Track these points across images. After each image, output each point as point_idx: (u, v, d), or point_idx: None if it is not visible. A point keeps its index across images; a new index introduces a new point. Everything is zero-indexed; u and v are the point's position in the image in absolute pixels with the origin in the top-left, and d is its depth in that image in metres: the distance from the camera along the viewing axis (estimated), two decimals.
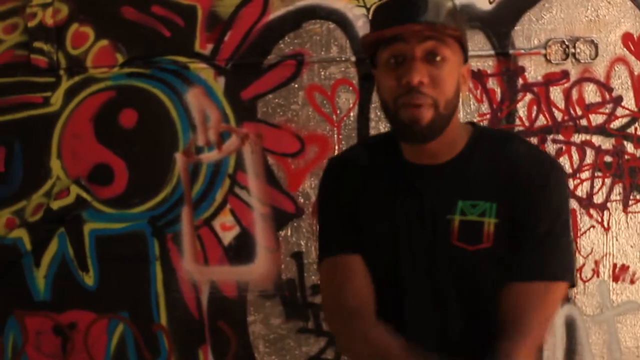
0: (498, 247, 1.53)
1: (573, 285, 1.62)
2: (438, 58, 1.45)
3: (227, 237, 3.03)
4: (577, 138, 2.99)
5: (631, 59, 2.98)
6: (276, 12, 3.00)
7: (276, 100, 3.01)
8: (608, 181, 2.99)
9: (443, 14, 1.46)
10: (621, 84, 2.98)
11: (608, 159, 2.99)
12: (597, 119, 2.99)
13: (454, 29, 1.48)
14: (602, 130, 2.99)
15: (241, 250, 3.02)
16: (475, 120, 2.98)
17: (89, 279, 3.03)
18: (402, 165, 1.59)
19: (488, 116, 2.99)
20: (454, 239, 1.53)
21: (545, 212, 1.53)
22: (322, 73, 3.00)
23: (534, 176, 1.54)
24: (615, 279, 3.00)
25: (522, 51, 2.98)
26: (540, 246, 1.53)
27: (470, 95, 2.98)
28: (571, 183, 2.99)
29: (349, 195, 1.64)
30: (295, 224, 3.02)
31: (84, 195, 3.02)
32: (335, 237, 1.66)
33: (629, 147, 2.99)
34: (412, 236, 1.57)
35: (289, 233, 3.02)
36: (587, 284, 3.00)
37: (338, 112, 3.00)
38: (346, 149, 1.85)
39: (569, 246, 1.59)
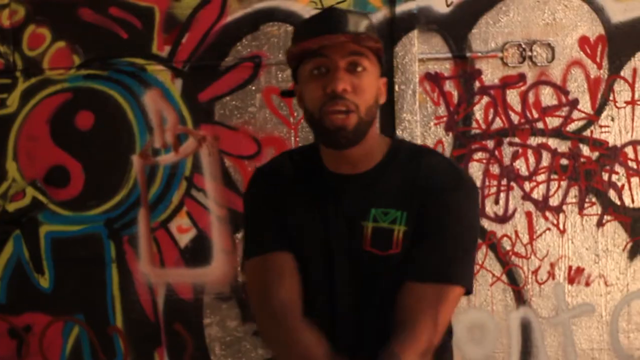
0: (402, 252, 1.62)
1: (469, 292, 1.65)
2: (359, 68, 1.54)
3: (184, 239, 3.02)
4: (534, 141, 3.00)
5: (587, 62, 2.99)
6: (234, 14, 3.00)
7: (233, 102, 3.01)
8: (564, 184, 3.00)
9: (362, 27, 1.56)
10: (577, 87, 2.99)
11: (564, 161, 3.00)
12: (553, 122, 3.00)
13: (376, 40, 1.59)
14: (558, 133, 3.00)
15: (197, 252, 3.01)
16: (432, 123, 3.00)
17: (45, 282, 3.01)
18: (323, 174, 1.67)
19: (445, 119, 3.00)
20: (366, 245, 1.60)
21: (451, 218, 1.60)
22: (280, 75, 3.00)
23: (444, 184, 1.61)
24: (571, 281, 3.01)
25: (479, 54, 2.99)
26: (440, 249, 1.59)
27: (427, 98, 2.99)
28: (527, 186, 3.00)
29: (276, 200, 1.70)
30: None
31: (40, 197, 3.01)
32: (265, 236, 1.70)
33: (585, 150, 3.00)
34: (332, 241, 1.64)
35: None
36: (542, 286, 3.00)
37: (295, 114, 3.00)
38: (272, 159, 1.87)
39: (469, 254, 1.65)
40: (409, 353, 1.50)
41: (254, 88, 3.00)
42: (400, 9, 2.96)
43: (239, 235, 3.01)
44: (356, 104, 1.53)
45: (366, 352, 1.58)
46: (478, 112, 3.00)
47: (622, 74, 2.99)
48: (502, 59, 2.99)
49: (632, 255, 3.01)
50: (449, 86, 2.99)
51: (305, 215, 1.66)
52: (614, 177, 3.00)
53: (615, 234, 3.01)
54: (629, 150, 3.00)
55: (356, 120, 1.53)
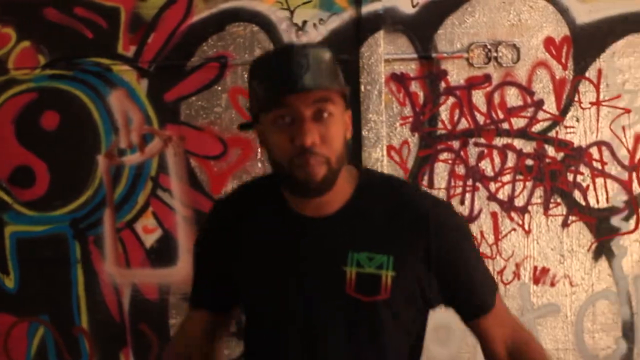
0: (395, 298, 1.53)
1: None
2: (325, 115, 1.44)
3: (149, 239, 3.02)
4: (499, 141, 3.00)
5: (553, 63, 2.99)
6: (200, 15, 3.00)
7: (199, 102, 3.00)
8: (529, 184, 3.01)
9: (324, 69, 1.44)
10: (543, 87, 3.00)
11: (529, 162, 3.01)
12: (518, 122, 3.00)
13: (340, 88, 1.48)
14: (523, 133, 3.00)
15: (163, 253, 3.01)
16: (398, 124, 3.00)
17: (10, 282, 3.01)
18: (289, 216, 1.56)
19: (411, 119, 3.00)
20: (350, 290, 1.52)
21: (466, 249, 1.60)
22: (246, 76, 2.96)
23: (442, 222, 1.55)
24: (536, 281, 3.02)
25: (445, 55, 2.99)
26: (477, 280, 1.61)
27: (393, 99, 2.99)
28: (492, 186, 3.00)
29: (227, 251, 1.62)
30: None
31: (5, 197, 3.00)
32: (196, 291, 1.74)
33: (550, 150, 3.01)
34: (305, 289, 1.55)
35: None
36: (507, 286, 3.01)
37: None
38: (231, 193, 1.77)
39: (485, 265, 1.69)
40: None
41: (219, 88, 3.00)
42: (366, 9, 2.96)
43: None
44: (326, 156, 1.44)
45: None
46: (444, 113, 3.00)
47: (587, 74, 2.99)
48: (467, 59, 2.99)
49: (597, 256, 3.02)
50: (414, 87, 3.00)
51: (271, 263, 1.57)
52: (579, 178, 3.01)
53: (580, 235, 3.02)
54: (594, 150, 3.01)
55: (326, 171, 1.45)
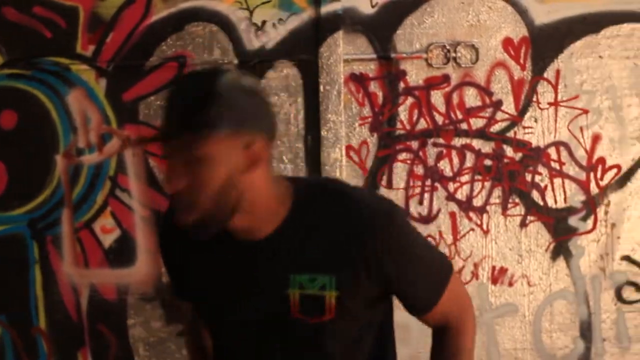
0: (341, 317, 1.49)
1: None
2: (197, 158, 1.34)
3: (108, 239, 3.01)
4: (458, 142, 3.01)
5: (511, 63, 3.01)
6: (159, 14, 2.99)
7: (158, 102, 2.99)
8: (487, 185, 3.02)
9: (196, 110, 1.33)
10: (501, 88, 3.01)
11: (488, 162, 3.02)
12: (477, 122, 3.01)
13: (210, 140, 1.34)
14: (482, 134, 3.01)
15: (122, 253, 3.00)
16: (357, 124, 3.01)
17: None
18: (227, 239, 1.49)
19: (369, 119, 3.00)
20: (294, 312, 1.48)
21: (405, 259, 1.51)
22: None
23: (381, 234, 1.47)
24: (494, 281, 3.03)
25: (404, 55, 3.00)
26: (423, 277, 1.55)
27: (352, 99, 2.99)
28: (451, 186, 3.01)
29: (177, 259, 1.61)
30: None
31: None
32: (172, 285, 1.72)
33: (509, 151, 3.02)
34: (245, 313, 1.51)
35: None
36: (466, 286, 2.99)
37: None
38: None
39: (433, 251, 1.63)
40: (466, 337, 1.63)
41: None
42: (325, 9, 2.97)
43: None
44: (192, 202, 1.36)
45: None
46: (402, 113, 3.01)
47: (545, 75, 3.01)
48: (426, 60, 3.00)
49: (554, 256, 3.04)
50: (373, 87, 3.00)
51: (210, 286, 1.54)
52: (537, 178, 3.03)
53: (538, 235, 3.03)
54: (552, 151, 3.02)
55: (196, 217, 1.37)
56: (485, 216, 3.02)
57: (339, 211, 1.47)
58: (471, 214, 3.02)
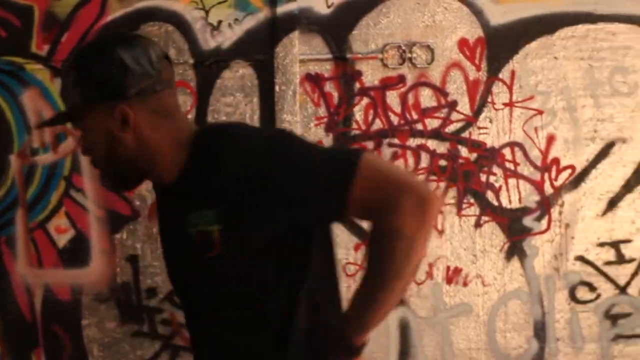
0: (226, 252, 1.56)
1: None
2: (83, 131, 1.65)
3: (62, 240, 3.00)
4: (413, 142, 3.02)
5: (466, 64, 3.01)
6: (114, 14, 2.98)
7: None
8: (442, 185, 3.02)
9: (66, 95, 1.71)
10: (456, 88, 3.02)
11: (443, 162, 3.03)
12: (432, 123, 3.02)
13: (72, 106, 1.65)
14: (437, 134, 3.02)
15: (76, 253, 2.99)
16: (312, 124, 3.01)
17: None
18: (158, 186, 1.74)
19: (325, 120, 3.01)
20: (196, 250, 1.59)
21: (291, 176, 1.52)
22: None
23: (259, 162, 1.53)
24: (449, 281, 3.04)
25: (360, 55, 3.00)
26: (323, 190, 1.52)
27: (308, 99, 2.99)
28: None
29: None
30: (131, 227, 3.00)
31: None
32: None
33: (463, 151, 3.03)
34: (169, 253, 1.74)
35: (124, 236, 3.00)
36: (420, 286, 3.03)
37: None
38: None
39: (326, 155, 1.59)
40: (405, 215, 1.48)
41: None
42: (281, 9, 2.97)
43: (118, 236, 3.00)
44: (95, 163, 1.67)
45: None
46: (358, 113, 3.01)
47: (500, 76, 3.02)
48: (382, 60, 3.00)
49: (509, 256, 3.05)
50: (329, 87, 3.00)
51: (161, 232, 1.78)
52: (492, 179, 3.04)
53: (492, 235, 3.04)
54: (507, 151, 3.03)
55: (102, 172, 1.68)
56: (440, 216, 3.03)
57: (222, 151, 1.57)
58: None
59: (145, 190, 2.98)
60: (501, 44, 3.01)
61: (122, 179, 1.67)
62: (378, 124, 3.01)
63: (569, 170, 3.05)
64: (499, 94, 3.02)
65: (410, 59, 3.01)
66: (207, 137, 1.65)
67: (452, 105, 3.02)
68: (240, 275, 1.59)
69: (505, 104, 3.02)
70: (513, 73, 3.02)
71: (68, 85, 1.65)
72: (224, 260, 1.57)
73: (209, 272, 1.60)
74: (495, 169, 3.03)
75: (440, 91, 3.02)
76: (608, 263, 3.09)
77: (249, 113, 2.99)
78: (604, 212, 3.07)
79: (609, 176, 3.06)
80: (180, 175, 1.62)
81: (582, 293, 3.08)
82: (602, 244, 3.08)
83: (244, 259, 1.57)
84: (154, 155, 1.63)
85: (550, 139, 3.04)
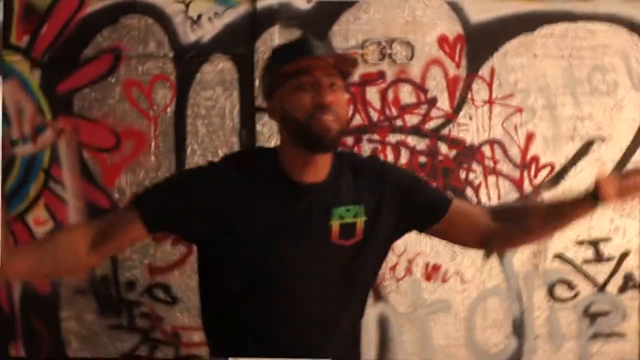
0: (367, 239, 1.87)
1: None
2: (336, 86, 1.77)
3: (41, 231, 2.99)
4: (393, 138, 3.02)
5: (446, 60, 3.02)
6: (94, 6, 2.98)
7: (93, 94, 2.99)
8: None
9: (331, 51, 1.82)
10: (436, 85, 3.02)
11: (422, 159, 3.03)
12: (412, 119, 3.02)
13: (354, 60, 1.83)
14: (416, 130, 3.02)
15: None
16: None
17: None
18: (285, 182, 1.83)
19: None
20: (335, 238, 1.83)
21: (411, 179, 2.01)
22: (140, 68, 2.99)
23: (390, 170, 1.99)
24: (428, 277, 3.04)
25: (340, 51, 2.99)
26: (429, 192, 2.02)
27: None
28: None
29: (217, 208, 1.82)
30: None
31: None
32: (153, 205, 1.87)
33: (443, 147, 3.03)
34: (302, 242, 1.82)
35: None
36: (400, 282, 3.03)
37: (155, 107, 2.99)
38: (228, 157, 1.95)
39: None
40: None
41: (113, 80, 2.99)
42: (261, 4, 2.97)
43: None
44: (338, 115, 1.76)
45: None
46: None
47: (480, 73, 3.02)
48: (362, 56, 3.00)
49: (487, 253, 3.05)
50: None
51: (269, 223, 1.81)
52: (471, 176, 3.04)
53: None
54: (486, 148, 3.03)
55: (338, 128, 1.76)
56: None
57: (360, 160, 1.98)
58: None
59: (124, 183, 2.99)
60: (481, 41, 3.01)
61: (338, 141, 1.81)
62: (358, 120, 3.01)
63: (548, 168, 3.05)
64: (479, 91, 3.02)
65: (390, 55, 3.01)
66: (339, 152, 1.94)
67: (432, 102, 3.02)
68: (371, 266, 1.95)
69: (484, 101, 3.03)
70: (493, 70, 3.02)
71: (328, 47, 1.84)
72: (361, 246, 1.87)
73: (340, 255, 1.84)
74: (475, 166, 3.04)
75: (420, 88, 3.02)
76: (587, 261, 3.09)
77: (229, 107, 2.99)
78: None
79: (589, 174, 3.06)
80: (330, 175, 1.86)
81: (561, 291, 3.09)
82: (581, 242, 3.08)
83: (375, 251, 1.93)
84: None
85: (530, 137, 3.04)
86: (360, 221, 1.84)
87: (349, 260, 1.84)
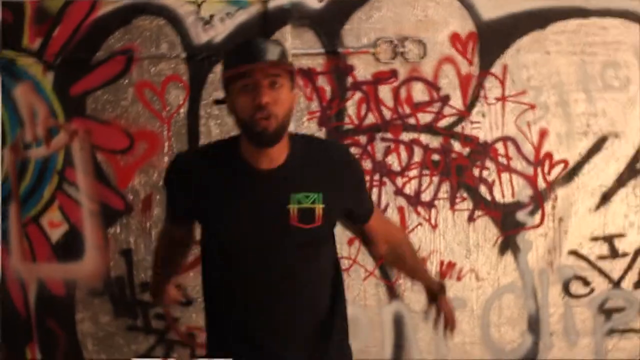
0: (325, 224, 2.00)
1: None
2: (277, 85, 1.88)
3: (55, 234, 3.00)
4: (406, 136, 3.02)
5: (458, 58, 3.01)
6: (106, 8, 2.98)
7: (105, 96, 2.99)
8: (435, 179, 3.03)
9: (276, 54, 1.90)
10: (448, 83, 3.02)
11: (436, 157, 3.02)
12: (425, 117, 3.02)
13: (289, 65, 1.94)
14: (429, 128, 3.02)
15: (69, 247, 3.00)
16: (305, 119, 3.01)
17: None
18: (244, 169, 1.96)
19: (318, 114, 3.01)
20: (293, 221, 1.96)
21: (361, 181, 2.13)
22: (152, 69, 2.99)
23: (349, 162, 2.08)
24: (442, 275, 3.03)
25: (352, 50, 3.00)
26: (365, 195, 2.16)
27: (300, 93, 2.99)
28: (399, 181, 3.02)
29: (193, 192, 2.00)
30: (124, 221, 3.00)
31: None
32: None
33: (456, 145, 3.03)
34: (262, 223, 1.95)
35: (117, 230, 3.00)
36: (414, 281, 3.02)
37: (168, 108, 2.99)
38: (194, 150, 2.22)
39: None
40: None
41: (126, 82, 2.99)
42: (273, 4, 2.97)
43: (111, 230, 3.00)
44: (275, 113, 1.87)
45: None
46: (351, 108, 3.01)
47: (492, 70, 3.02)
48: (374, 54, 3.00)
49: (502, 250, 3.05)
50: (321, 81, 3.00)
51: (229, 204, 1.96)
52: (485, 173, 3.04)
53: (486, 229, 3.04)
54: (499, 146, 3.03)
55: (276, 125, 1.87)
56: (433, 211, 3.03)
57: (322, 147, 2.06)
58: (419, 209, 3.03)
59: (138, 184, 2.99)
60: (493, 39, 3.01)
61: (281, 135, 1.90)
62: (371, 119, 3.01)
63: (562, 165, 3.05)
64: (491, 88, 3.02)
65: (402, 54, 3.01)
66: (302, 139, 2.07)
67: (445, 100, 3.02)
68: (328, 243, 2.08)
69: (497, 99, 3.02)
70: (505, 67, 3.02)
71: (274, 48, 1.89)
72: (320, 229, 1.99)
73: (300, 237, 1.95)
74: (488, 164, 3.03)
75: (432, 86, 3.02)
76: (602, 257, 3.09)
77: None
78: (597, 207, 3.08)
79: (602, 170, 3.06)
80: (287, 161, 1.95)
81: (576, 287, 3.08)
82: (595, 239, 3.08)
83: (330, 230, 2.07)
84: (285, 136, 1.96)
85: (543, 134, 3.04)
86: (319, 207, 1.97)
87: (310, 243, 1.98)
